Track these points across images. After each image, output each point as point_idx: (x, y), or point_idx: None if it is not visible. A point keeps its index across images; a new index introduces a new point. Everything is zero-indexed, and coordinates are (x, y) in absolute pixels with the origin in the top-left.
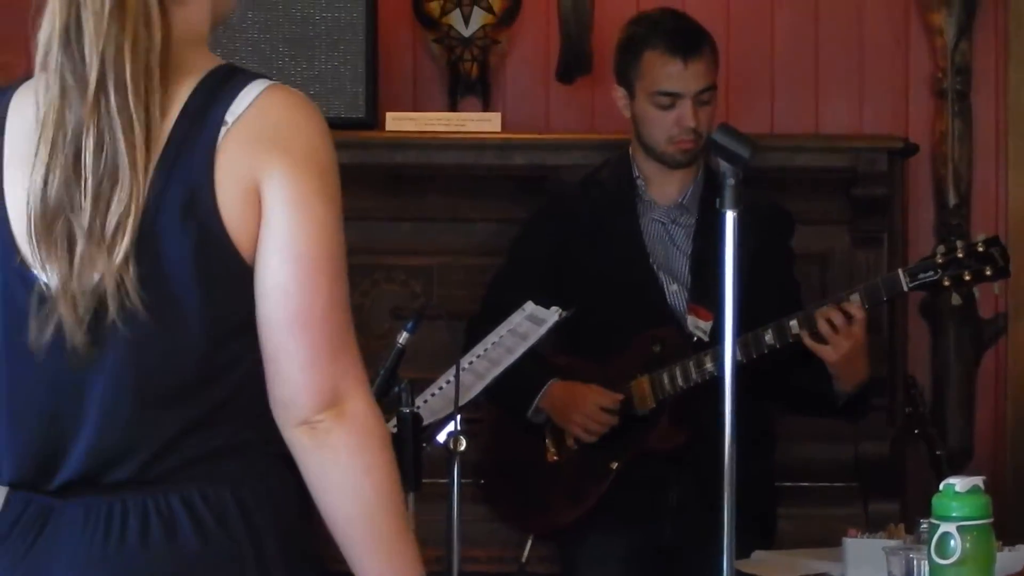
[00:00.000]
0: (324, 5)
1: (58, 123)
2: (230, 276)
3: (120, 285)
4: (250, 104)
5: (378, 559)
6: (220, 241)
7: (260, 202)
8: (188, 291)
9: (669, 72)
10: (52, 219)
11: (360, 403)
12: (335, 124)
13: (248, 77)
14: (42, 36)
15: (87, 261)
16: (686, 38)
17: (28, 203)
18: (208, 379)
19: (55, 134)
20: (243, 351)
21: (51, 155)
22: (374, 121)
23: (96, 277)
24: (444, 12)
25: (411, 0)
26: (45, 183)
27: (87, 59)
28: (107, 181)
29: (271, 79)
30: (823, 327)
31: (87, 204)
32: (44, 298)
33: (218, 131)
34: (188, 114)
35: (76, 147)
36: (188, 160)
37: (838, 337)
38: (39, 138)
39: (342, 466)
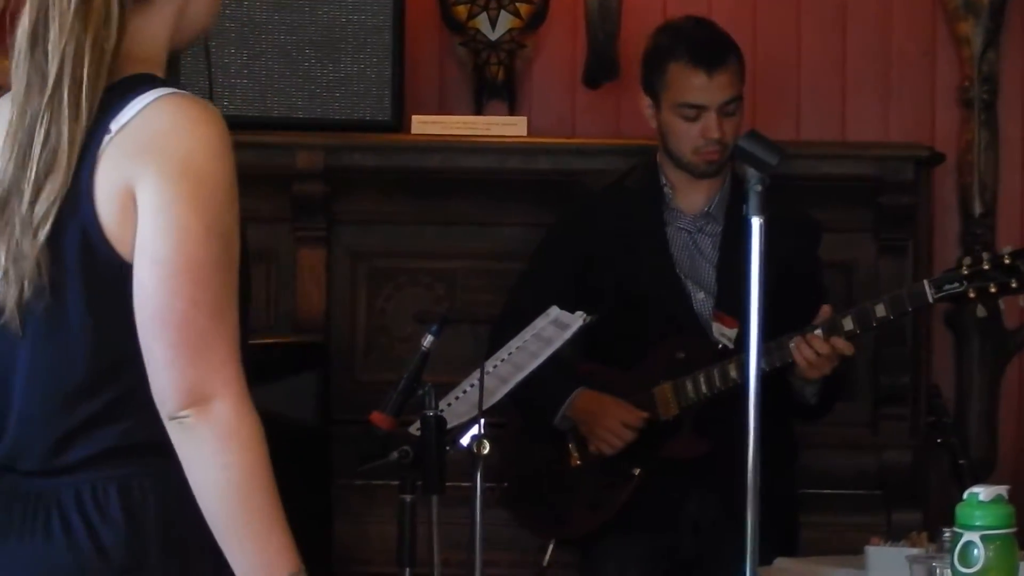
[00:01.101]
0: (351, 8)
1: (20, 116)
2: (113, 279)
3: (38, 269)
4: (136, 113)
5: (240, 553)
6: (100, 245)
7: (136, 207)
8: (75, 292)
9: (693, 84)
10: (4, 204)
11: (225, 403)
12: (360, 127)
13: (149, 87)
14: (16, 37)
15: (22, 245)
16: (711, 49)
17: None
18: (99, 378)
19: (18, 126)
20: (133, 351)
21: (11, 145)
22: (400, 124)
23: (28, 263)
24: (471, 16)
25: (438, 3)
26: (4, 171)
27: (50, 55)
28: (45, 169)
29: (181, 90)
30: (806, 353)
31: (28, 190)
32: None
33: (102, 139)
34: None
35: (30, 136)
36: (80, 166)
37: (821, 361)
38: (9, 133)
39: (203, 461)
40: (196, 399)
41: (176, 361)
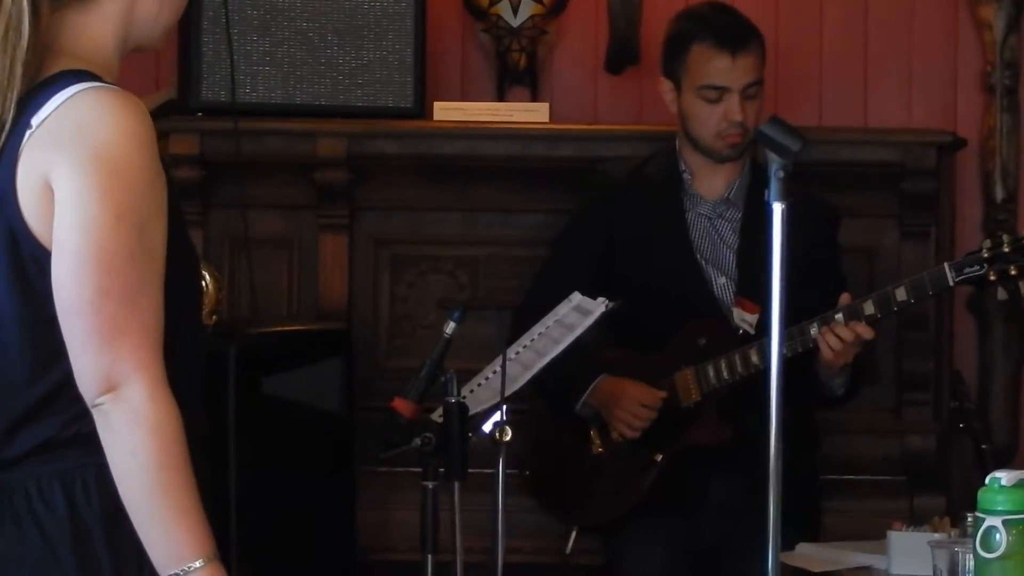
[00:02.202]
0: None
1: None
2: (39, 272)
3: None
4: (57, 107)
5: (152, 538)
6: (25, 240)
7: (54, 199)
8: (3, 287)
9: (717, 66)
10: None
11: (136, 388)
12: (382, 114)
13: (72, 81)
14: None
15: None
16: (734, 32)
17: None
18: (34, 371)
19: None
20: (63, 345)
21: None
22: (422, 111)
23: None
24: (493, 2)
25: None
26: None
27: None
28: None
29: (106, 84)
30: (831, 340)
31: None
32: None
33: (24, 135)
34: (14, 119)
35: None
36: (2, 164)
37: (846, 347)
38: None
39: (116, 447)
40: (109, 385)
41: (88, 348)
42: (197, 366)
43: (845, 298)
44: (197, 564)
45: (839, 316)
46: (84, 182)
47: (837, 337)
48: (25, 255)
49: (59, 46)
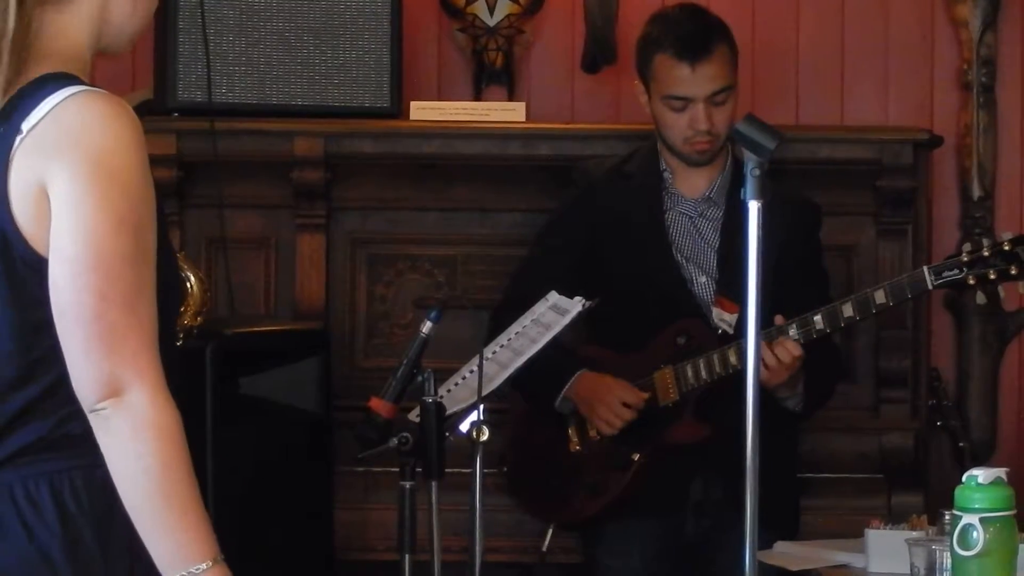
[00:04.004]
0: None
1: None
2: (31, 275)
3: None
4: (48, 112)
5: (157, 542)
6: (17, 244)
7: (49, 204)
8: None
9: (677, 77)
10: None
11: (140, 394)
12: (359, 113)
13: (60, 86)
14: None
15: None
16: (694, 42)
17: None
18: (25, 373)
19: None
20: (57, 345)
21: None
22: (398, 111)
23: None
24: (469, 1)
25: None
26: None
27: None
28: None
29: (93, 87)
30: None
31: None
32: None
33: (14, 140)
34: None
35: None
36: None
37: (778, 367)
38: None
39: (119, 452)
40: (111, 391)
41: (89, 354)
42: (173, 368)
43: (779, 319)
44: (204, 566)
45: (818, 318)
46: (82, 188)
47: (770, 354)
48: (16, 259)
49: (38, 46)
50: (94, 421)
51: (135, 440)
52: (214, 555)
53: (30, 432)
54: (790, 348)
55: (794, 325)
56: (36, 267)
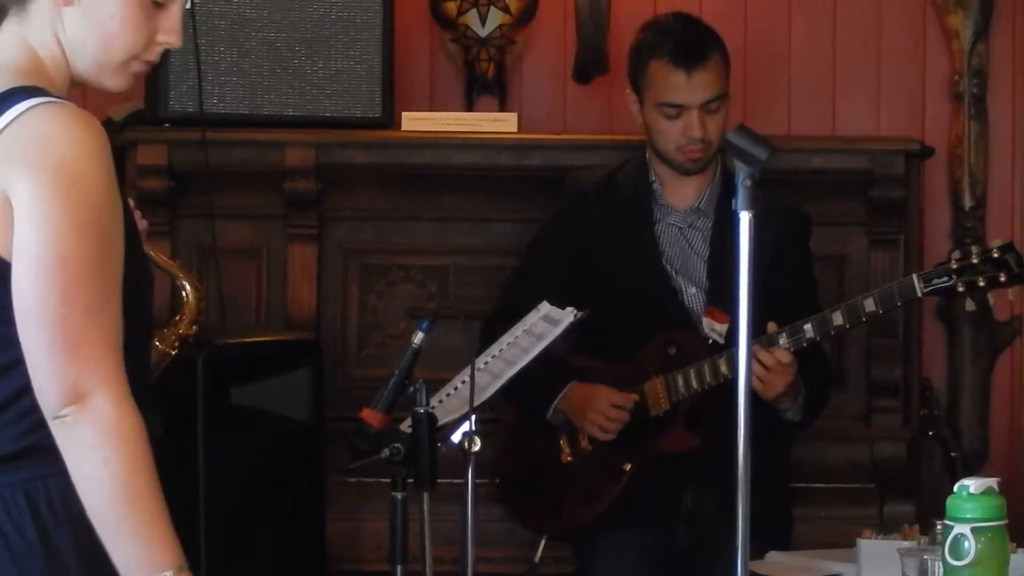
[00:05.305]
0: (341, 5)
1: None
2: None
3: None
4: (11, 121)
5: (122, 549)
6: None
7: (12, 211)
8: None
9: (672, 84)
10: None
11: (103, 400)
12: (351, 124)
13: (24, 96)
14: None
15: None
16: (690, 49)
17: None
18: None
19: None
20: (19, 355)
21: None
22: (390, 121)
23: None
24: (461, 12)
25: (428, 0)
26: None
27: None
28: None
29: (59, 100)
30: (754, 368)
31: None
32: None
33: None
34: None
35: None
36: None
37: (772, 377)
38: None
39: (83, 458)
40: (74, 397)
41: (52, 359)
42: (147, 373)
43: (771, 326)
44: (168, 574)
45: (808, 327)
46: (46, 193)
47: (758, 363)
48: None
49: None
50: (57, 428)
51: (99, 446)
52: (179, 563)
53: (1, 440)
54: (778, 355)
55: (784, 333)
56: (2, 274)
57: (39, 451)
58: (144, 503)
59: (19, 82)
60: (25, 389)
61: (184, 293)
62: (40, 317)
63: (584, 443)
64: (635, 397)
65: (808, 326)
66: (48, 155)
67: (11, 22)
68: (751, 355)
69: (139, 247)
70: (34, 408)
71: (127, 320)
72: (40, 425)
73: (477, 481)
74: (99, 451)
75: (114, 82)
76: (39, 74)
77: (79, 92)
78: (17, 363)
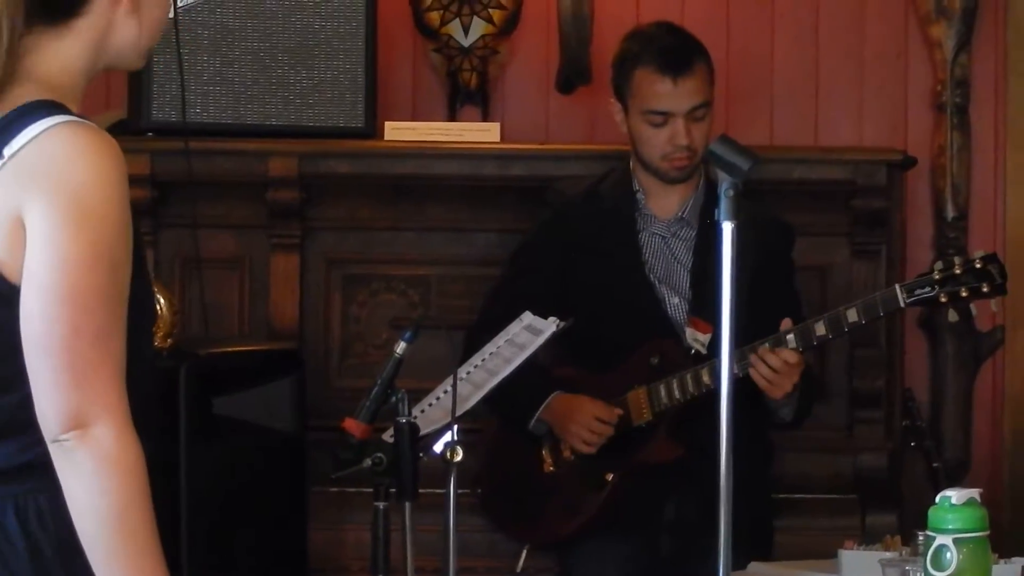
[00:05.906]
0: (324, 14)
1: None
2: (1, 302)
3: None
4: (30, 139)
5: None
6: None
7: (24, 234)
8: None
9: (659, 91)
10: None
11: (106, 429)
12: (334, 134)
13: (45, 114)
14: None
15: None
16: (677, 56)
17: None
18: None
19: None
20: (22, 374)
21: None
22: (373, 131)
23: None
24: (444, 22)
25: (411, 10)
26: None
27: None
28: None
29: (80, 118)
30: (763, 370)
31: None
32: None
33: None
34: None
35: None
36: None
37: (779, 378)
38: None
39: (81, 485)
40: (77, 423)
41: (58, 386)
42: (150, 394)
43: (786, 323)
44: None
45: (791, 337)
46: (60, 219)
47: (766, 365)
48: None
49: (28, 70)
50: (55, 451)
51: (99, 475)
52: None
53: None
54: (784, 355)
55: (767, 345)
56: (6, 294)
57: (31, 468)
58: (138, 536)
59: (44, 95)
60: (26, 406)
61: (159, 307)
62: (47, 343)
63: (567, 453)
64: (619, 411)
65: (790, 336)
66: (65, 181)
67: (46, 36)
68: (733, 365)
69: (144, 268)
70: (30, 426)
71: (132, 341)
72: (35, 444)
73: (459, 491)
74: (98, 481)
75: (143, 63)
76: (67, 86)
77: None
78: (20, 380)
